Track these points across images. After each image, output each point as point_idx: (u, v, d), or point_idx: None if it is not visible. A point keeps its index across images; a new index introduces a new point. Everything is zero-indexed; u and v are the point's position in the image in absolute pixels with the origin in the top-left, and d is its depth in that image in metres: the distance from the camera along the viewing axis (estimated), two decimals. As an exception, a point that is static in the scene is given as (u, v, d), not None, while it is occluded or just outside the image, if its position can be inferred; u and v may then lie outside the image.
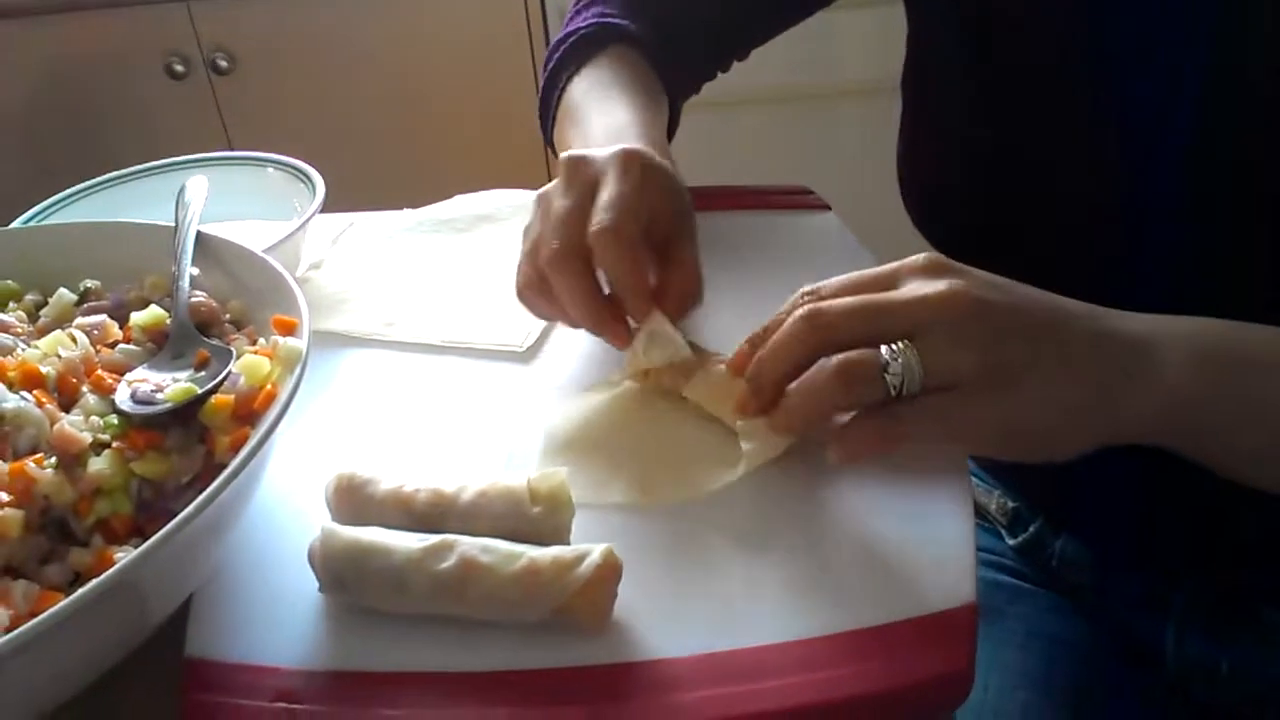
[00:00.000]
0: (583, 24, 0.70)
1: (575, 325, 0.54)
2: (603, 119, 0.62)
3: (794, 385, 0.45)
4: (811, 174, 0.80)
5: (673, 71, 0.70)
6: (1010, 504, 0.72)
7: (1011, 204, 0.60)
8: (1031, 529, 0.71)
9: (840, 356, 0.44)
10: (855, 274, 0.47)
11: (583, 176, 0.53)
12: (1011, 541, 0.72)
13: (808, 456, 0.49)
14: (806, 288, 0.47)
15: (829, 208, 0.71)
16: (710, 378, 0.51)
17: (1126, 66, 0.54)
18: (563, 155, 0.54)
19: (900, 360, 0.43)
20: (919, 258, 0.46)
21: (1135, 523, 0.64)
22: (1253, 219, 0.53)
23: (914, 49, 0.66)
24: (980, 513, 0.74)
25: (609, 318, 0.52)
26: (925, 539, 0.45)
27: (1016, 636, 0.67)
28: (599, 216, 0.50)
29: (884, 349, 0.43)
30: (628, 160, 0.52)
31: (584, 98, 0.66)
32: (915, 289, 0.44)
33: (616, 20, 0.70)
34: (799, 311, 0.45)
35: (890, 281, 0.46)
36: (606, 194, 0.51)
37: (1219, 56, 0.51)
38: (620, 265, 0.50)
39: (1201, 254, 0.54)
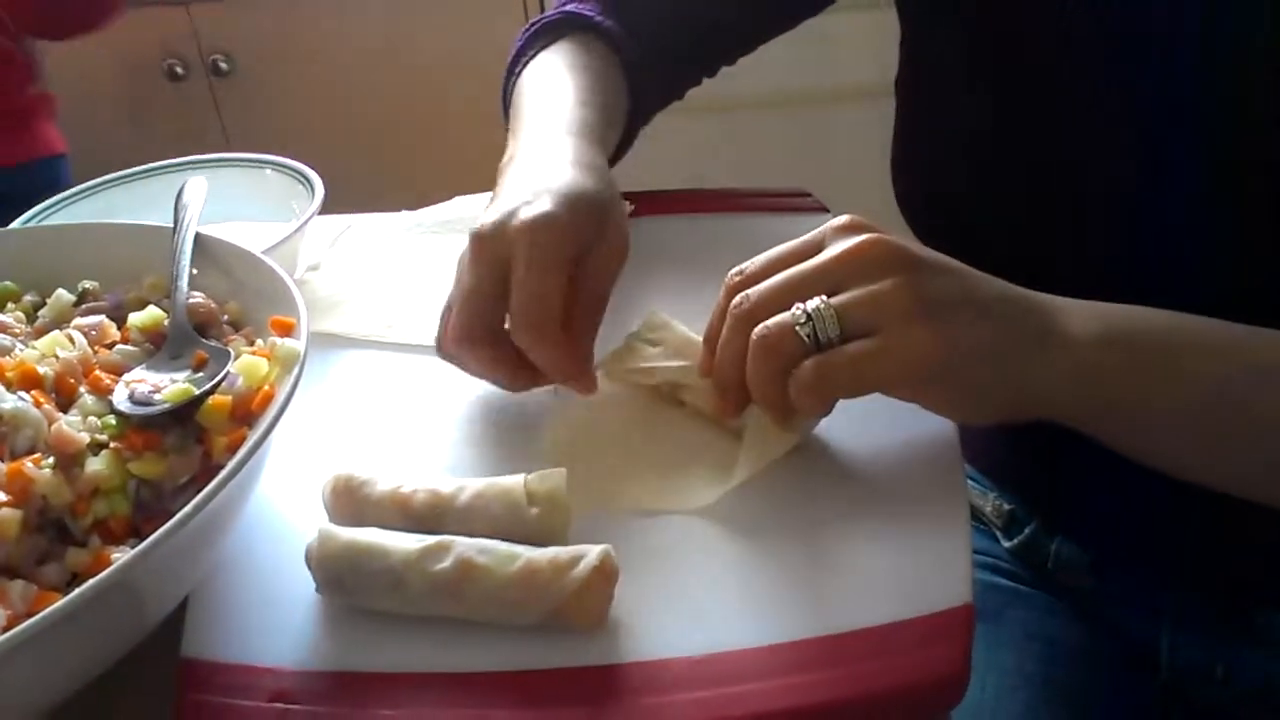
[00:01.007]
0: (549, 14, 0.70)
1: None
2: (536, 121, 0.61)
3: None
4: (809, 177, 0.80)
5: (645, 70, 0.69)
6: (1006, 506, 0.72)
7: (1010, 205, 0.60)
8: (1027, 531, 0.71)
9: (756, 331, 0.46)
10: (779, 249, 0.49)
11: (489, 258, 0.50)
12: (1007, 544, 0.73)
13: (803, 459, 0.50)
14: (734, 273, 0.49)
15: (827, 210, 0.71)
16: (710, 382, 0.52)
17: (1131, 63, 0.54)
18: (470, 231, 0.51)
19: (805, 310, 0.45)
20: (839, 219, 0.47)
21: (1131, 525, 0.65)
22: (1259, 221, 0.53)
23: (909, 53, 0.66)
24: (976, 515, 0.75)
25: (528, 380, 0.52)
26: (921, 540, 0.45)
27: (1013, 638, 0.67)
28: (517, 316, 0.49)
29: (795, 306, 0.45)
30: (534, 239, 0.49)
31: (528, 92, 0.65)
32: (832, 249, 0.46)
33: (581, 11, 0.69)
34: (729, 320, 0.47)
35: (813, 248, 0.47)
36: (522, 293, 0.49)
37: (1222, 49, 0.51)
38: (547, 359, 0.50)
39: (1206, 255, 0.54)
